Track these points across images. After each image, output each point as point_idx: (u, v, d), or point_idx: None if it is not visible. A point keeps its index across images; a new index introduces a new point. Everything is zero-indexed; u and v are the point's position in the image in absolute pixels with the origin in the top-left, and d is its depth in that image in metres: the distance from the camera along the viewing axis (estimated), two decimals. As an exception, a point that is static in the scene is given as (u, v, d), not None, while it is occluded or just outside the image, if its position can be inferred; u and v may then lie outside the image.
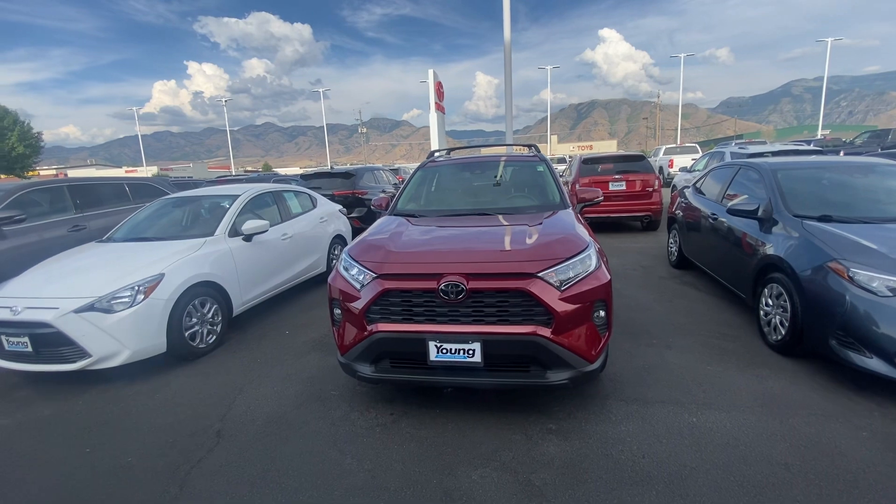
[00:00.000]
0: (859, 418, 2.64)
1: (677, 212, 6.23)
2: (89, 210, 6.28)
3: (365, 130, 60.66)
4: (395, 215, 3.91)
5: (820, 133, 37.08)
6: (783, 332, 3.44)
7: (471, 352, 2.53)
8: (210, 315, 4.22)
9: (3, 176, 30.49)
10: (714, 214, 4.94)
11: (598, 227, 9.88)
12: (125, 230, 4.88)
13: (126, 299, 3.59)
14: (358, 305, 2.70)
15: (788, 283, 3.36)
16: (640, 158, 9.66)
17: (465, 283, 2.50)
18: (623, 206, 9.16)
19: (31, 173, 32.81)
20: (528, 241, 2.78)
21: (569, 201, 3.82)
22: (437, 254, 2.77)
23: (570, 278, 2.59)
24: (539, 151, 4.66)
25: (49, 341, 3.44)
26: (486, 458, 2.45)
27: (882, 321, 2.73)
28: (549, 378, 2.53)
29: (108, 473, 2.51)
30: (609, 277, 2.74)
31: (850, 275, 2.91)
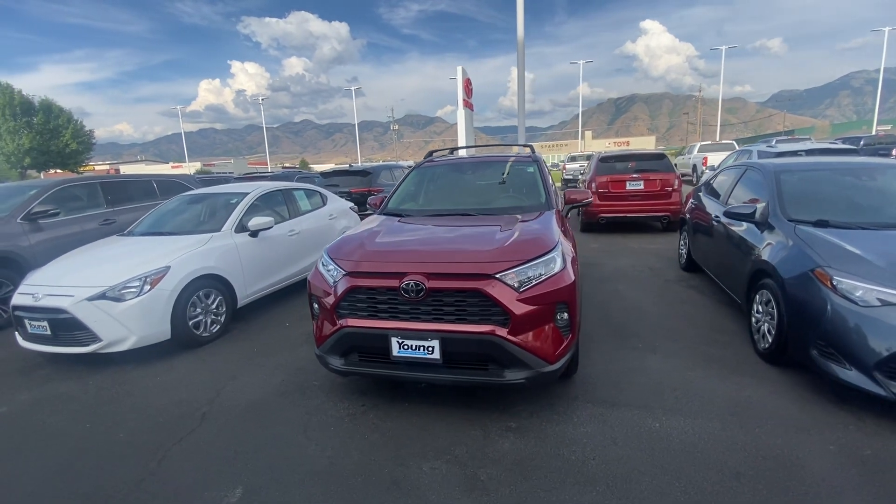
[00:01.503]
0: (832, 431, 2.55)
1: (686, 213, 6.06)
2: (119, 205, 6.76)
3: (396, 128, 61.40)
4: (385, 214, 4.04)
5: (875, 129, 34.55)
6: (770, 340, 3.34)
7: (430, 349, 2.62)
8: (214, 306, 4.49)
9: (58, 171, 33.10)
10: (717, 216, 4.79)
11: (617, 226, 9.70)
12: (145, 224, 5.24)
13: (134, 289, 3.89)
14: (330, 301, 2.84)
15: (776, 290, 3.25)
16: (660, 157, 9.39)
17: (425, 282, 2.59)
18: (640, 205, 8.95)
19: (84, 168, 35.27)
20: (494, 243, 2.83)
21: (554, 202, 3.83)
22: (402, 253, 2.87)
23: (530, 280, 2.63)
24: (534, 152, 4.66)
25: (65, 326, 3.78)
26: (440, 451, 2.53)
27: (862, 332, 2.62)
28: (506, 377, 2.58)
29: (100, 447, 2.76)
30: (573, 279, 2.75)
31: (834, 283, 2.80)
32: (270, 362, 3.89)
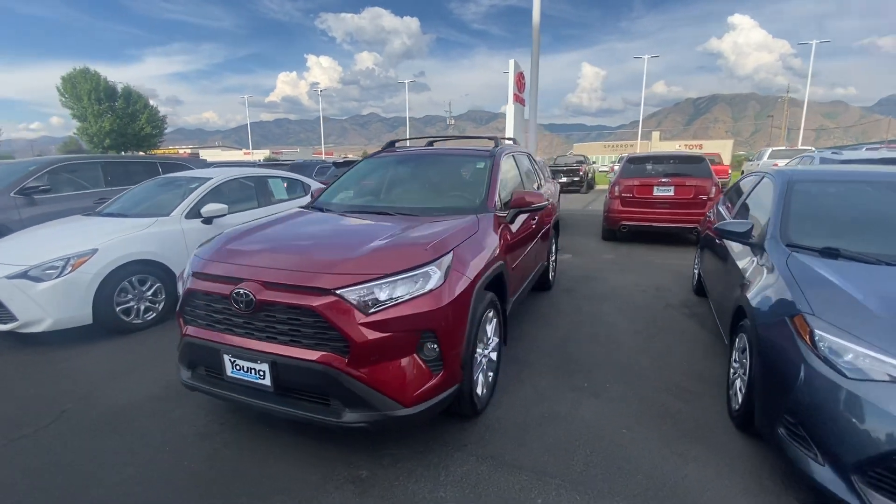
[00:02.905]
0: (779, 551, 1.80)
1: (700, 225, 5.12)
2: (118, 185, 6.90)
3: (453, 122, 61.14)
4: (312, 207, 3.64)
5: None
6: (740, 401, 2.55)
7: (261, 373, 2.17)
8: (150, 293, 4.33)
9: (140, 153, 36.45)
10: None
11: (644, 236, 8.65)
12: (112, 206, 5.22)
13: (55, 270, 3.78)
14: (180, 304, 2.49)
15: (752, 336, 2.46)
16: (698, 160, 8.21)
17: (257, 293, 2.14)
18: (668, 214, 7.87)
19: (161, 151, 38.49)
20: (353, 250, 2.31)
21: (493, 205, 3.21)
22: (246, 255, 2.42)
23: (386, 300, 2.10)
24: (498, 146, 4.02)
25: (-15, 302, 3.75)
26: (254, 498, 2.09)
27: (845, 415, 1.82)
28: (344, 417, 2.08)
29: (-59, 437, 2.60)
30: (448, 302, 2.18)
31: (815, 338, 2.00)
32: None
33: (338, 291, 2.06)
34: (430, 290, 2.17)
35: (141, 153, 36.20)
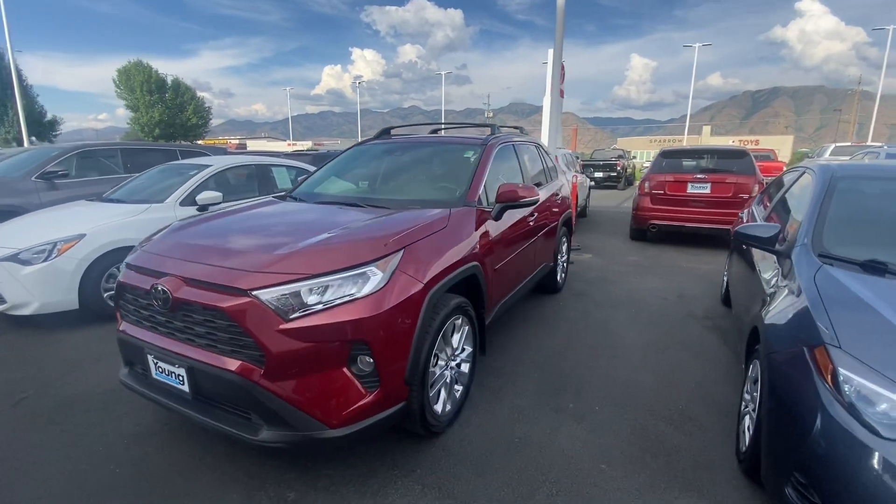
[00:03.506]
0: None
1: (732, 228, 4.53)
2: (136, 172, 7.04)
3: (491, 115, 60.30)
4: (290, 196, 3.43)
5: None
6: (747, 442, 2.11)
7: (180, 377, 1.97)
8: (140, 280, 4.28)
9: (184, 142, 38.29)
10: (748, 238, 3.37)
11: (677, 238, 7.97)
12: (118, 192, 5.25)
13: (42, 254, 3.78)
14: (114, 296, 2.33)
15: (764, 367, 2.01)
16: (740, 155, 7.43)
17: (174, 290, 1.93)
18: (703, 214, 7.17)
19: (212, 141, 40.20)
20: (292, 245, 2.04)
21: (476, 198, 2.88)
22: (180, 248, 2.20)
23: (313, 304, 1.82)
24: (494, 134, 3.65)
25: (-23, 283, 3.80)
26: (164, 517, 1.89)
27: (873, 484, 1.39)
28: (261, 435, 1.83)
29: None
30: (385, 309, 1.88)
31: (838, 378, 1.56)
32: (155, 349, 3.54)
33: (253, 292, 1.81)
34: (368, 295, 1.88)
35: (187, 143, 37.92)
